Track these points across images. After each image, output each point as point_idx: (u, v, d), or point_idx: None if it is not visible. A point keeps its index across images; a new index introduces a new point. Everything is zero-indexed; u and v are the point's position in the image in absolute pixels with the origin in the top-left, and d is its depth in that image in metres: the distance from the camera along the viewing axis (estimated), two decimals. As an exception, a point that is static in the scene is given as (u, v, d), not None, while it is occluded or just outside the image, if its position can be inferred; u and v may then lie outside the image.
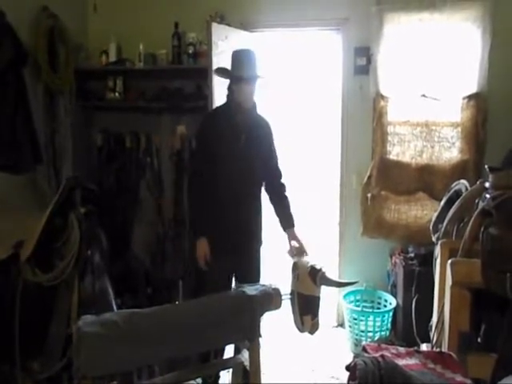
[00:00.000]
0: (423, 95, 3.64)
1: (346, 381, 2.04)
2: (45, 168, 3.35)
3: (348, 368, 1.95)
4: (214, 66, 3.23)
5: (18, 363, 2.22)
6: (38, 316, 2.30)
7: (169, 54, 3.90)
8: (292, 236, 2.95)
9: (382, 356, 1.87)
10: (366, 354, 1.99)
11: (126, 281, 2.61)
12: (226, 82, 3.14)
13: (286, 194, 3.05)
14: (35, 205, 2.61)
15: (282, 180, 3.07)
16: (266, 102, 3.86)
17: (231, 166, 2.85)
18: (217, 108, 3.12)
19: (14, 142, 2.89)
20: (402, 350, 2.06)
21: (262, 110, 3.08)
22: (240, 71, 2.80)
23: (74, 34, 3.75)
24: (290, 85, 5.55)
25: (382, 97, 3.71)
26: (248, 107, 2.88)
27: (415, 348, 2.21)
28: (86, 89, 4.05)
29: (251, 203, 2.96)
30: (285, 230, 2.99)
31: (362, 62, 3.76)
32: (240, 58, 2.86)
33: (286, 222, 3.00)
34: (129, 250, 3.68)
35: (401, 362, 1.90)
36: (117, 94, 4.02)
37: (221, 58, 3.31)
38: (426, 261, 3.19)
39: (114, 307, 2.55)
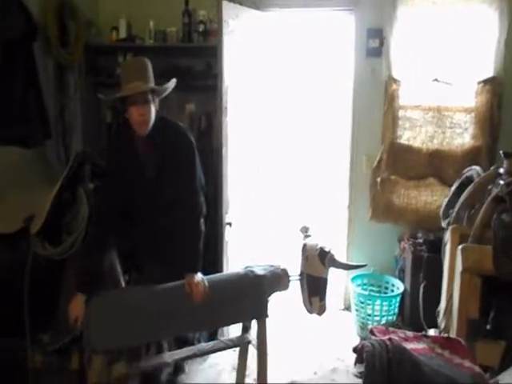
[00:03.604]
0: (436, 79, 3.59)
1: (352, 363, 2.04)
2: (54, 143, 3.33)
3: (355, 350, 1.94)
4: (225, 45, 3.18)
5: (28, 335, 2.25)
6: (47, 289, 2.31)
7: (179, 32, 3.84)
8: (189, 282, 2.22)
9: (390, 339, 1.87)
10: (373, 337, 1.99)
11: (134, 257, 2.61)
12: (238, 59, 2.96)
13: (198, 237, 2.38)
14: (45, 179, 2.61)
15: (197, 216, 2.39)
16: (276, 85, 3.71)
17: (138, 207, 2.44)
18: (121, 136, 2.63)
19: (24, 116, 2.86)
20: (409, 334, 2.06)
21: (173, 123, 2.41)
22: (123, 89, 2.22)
23: (84, 9, 3.70)
24: (300, 66, 5.48)
25: (394, 80, 3.65)
26: (144, 134, 2.28)
27: (423, 333, 2.21)
28: (95, 65, 4.01)
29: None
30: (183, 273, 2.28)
31: (375, 43, 3.68)
32: (124, 72, 2.31)
33: (188, 265, 2.29)
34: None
35: (408, 346, 1.89)
36: (126, 71, 3.97)
37: (231, 36, 3.25)
38: (435, 247, 3.17)
39: (122, 283, 2.57)
